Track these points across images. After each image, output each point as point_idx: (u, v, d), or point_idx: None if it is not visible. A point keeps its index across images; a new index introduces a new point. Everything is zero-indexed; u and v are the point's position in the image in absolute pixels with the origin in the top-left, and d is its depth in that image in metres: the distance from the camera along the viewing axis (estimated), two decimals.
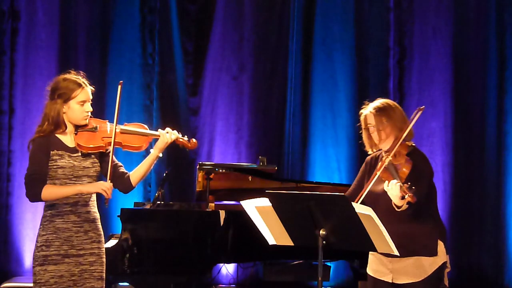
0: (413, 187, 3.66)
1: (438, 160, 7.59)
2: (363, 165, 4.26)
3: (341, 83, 7.76)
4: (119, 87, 4.24)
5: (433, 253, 3.97)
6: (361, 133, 4.19)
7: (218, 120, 7.78)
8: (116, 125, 4.12)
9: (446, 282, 4.08)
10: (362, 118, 4.16)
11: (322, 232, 3.54)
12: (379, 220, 3.45)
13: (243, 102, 7.79)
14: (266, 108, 7.83)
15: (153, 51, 7.79)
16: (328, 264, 6.82)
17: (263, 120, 7.80)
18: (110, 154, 4.09)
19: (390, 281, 4.02)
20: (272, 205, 3.63)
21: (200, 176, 5.96)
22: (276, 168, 6.27)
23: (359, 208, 3.46)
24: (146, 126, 4.27)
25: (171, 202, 6.09)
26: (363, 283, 6.19)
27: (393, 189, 3.76)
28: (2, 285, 6.45)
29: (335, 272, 7.36)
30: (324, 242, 3.55)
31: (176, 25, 7.81)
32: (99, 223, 4.17)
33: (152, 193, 7.53)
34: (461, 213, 7.54)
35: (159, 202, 5.82)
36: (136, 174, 4.20)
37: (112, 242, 5.58)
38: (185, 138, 4.29)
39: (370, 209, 3.47)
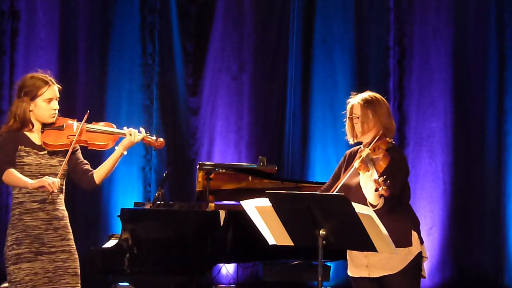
0: (388, 181, 3.67)
1: (438, 160, 7.59)
2: (342, 158, 4.29)
3: (341, 83, 7.76)
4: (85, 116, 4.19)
5: (407, 244, 3.98)
6: (345, 121, 4.22)
7: (218, 120, 7.79)
8: (82, 124, 4.12)
9: (424, 273, 4.09)
10: (348, 107, 4.19)
11: (322, 232, 3.54)
12: (379, 220, 3.46)
13: (243, 102, 7.79)
14: (266, 108, 7.83)
15: (153, 51, 7.79)
16: (328, 264, 6.82)
17: (263, 120, 7.80)
18: (69, 152, 4.07)
19: (367, 276, 4.04)
20: (272, 205, 3.63)
21: (200, 176, 5.96)
22: (276, 168, 6.27)
23: (359, 208, 3.46)
24: (113, 125, 4.26)
25: (171, 202, 6.09)
26: None
27: (367, 184, 3.79)
28: (2, 285, 6.44)
29: (335, 272, 7.35)
30: (324, 242, 3.55)
31: (176, 25, 7.81)
32: (68, 220, 4.16)
33: (152, 193, 7.54)
34: (461, 213, 7.54)
35: (159, 202, 5.82)
36: (100, 172, 4.18)
37: (112, 242, 5.58)
38: (153, 137, 4.29)
39: (370, 209, 3.47)
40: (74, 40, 7.67)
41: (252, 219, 3.73)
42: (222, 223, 5.53)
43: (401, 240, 3.95)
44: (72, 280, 4.11)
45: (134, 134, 4.17)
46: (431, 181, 7.59)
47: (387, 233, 3.48)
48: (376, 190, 3.69)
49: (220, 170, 6.00)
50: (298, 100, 7.80)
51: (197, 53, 7.84)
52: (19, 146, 4.05)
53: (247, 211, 3.73)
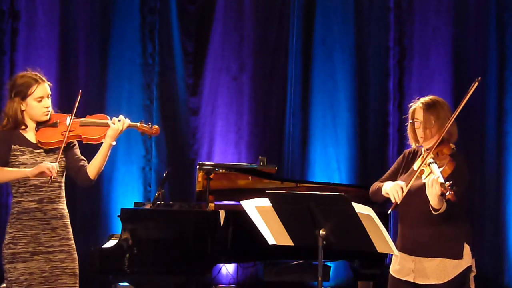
0: (455, 187, 3.60)
1: None
2: (401, 157, 4.19)
3: (341, 83, 7.76)
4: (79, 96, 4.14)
5: (458, 256, 3.96)
6: (406, 124, 4.11)
7: (218, 120, 7.78)
8: (72, 117, 4.08)
9: (472, 286, 4.03)
10: (410, 111, 4.07)
11: (322, 232, 3.54)
12: (379, 220, 3.45)
13: (243, 102, 7.79)
14: (266, 108, 7.83)
15: (153, 51, 7.79)
16: (328, 264, 6.82)
17: (263, 120, 7.80)
18: (61, 147, 4.03)
19: (412, 281, 3.98)
20: (272, 205, 3.63)
21: (200, 176, 5.96)
22: (276, 168, 6.27)
23: (359, 208, 3.46)
24: (107, 116, 4.19)
25: (171, 202, 6.09)
26: (364, 283, 6.19)
27: (434, 187, 3.69)
28: (2, 285, 6.44)
29: (335, 272, 7.35)
30: (324, 242, 3.55)
31: (176, 25, 7.81)
32: (68, 220, 4.14)
33: (152, 193, 7.53)
34: None
35: (159, 202, 5.82)
36: (92, 167, 4.12)
37: (112, 242, 5.59)
38: (148, 125, 4.23)
39: (370, 209, 3.47)
40: (74, 40, 7.66)
41: (252, 219, 3.73)
42: (222, 223, 5.53)
43: (452, 251, 3.93)
44: (70, 280, 4.09)
45: (118, 123, 4.10)
46: None
47: (387, 233, 3.48)
48: (442, 194, 3.64)
49: (220, 170, 6.00)
50: (298, 100, 7.80)
51: (197, 53, 7.83)
52: (13, 146, 4.02)
53: (247, 211, 3.73)
